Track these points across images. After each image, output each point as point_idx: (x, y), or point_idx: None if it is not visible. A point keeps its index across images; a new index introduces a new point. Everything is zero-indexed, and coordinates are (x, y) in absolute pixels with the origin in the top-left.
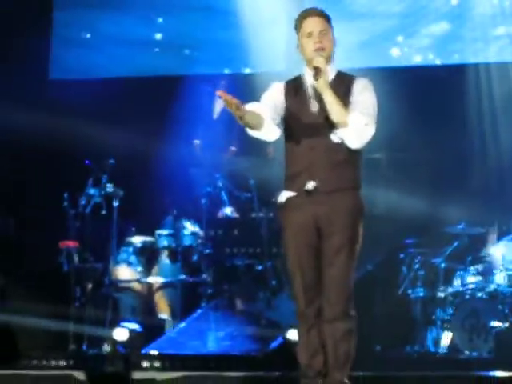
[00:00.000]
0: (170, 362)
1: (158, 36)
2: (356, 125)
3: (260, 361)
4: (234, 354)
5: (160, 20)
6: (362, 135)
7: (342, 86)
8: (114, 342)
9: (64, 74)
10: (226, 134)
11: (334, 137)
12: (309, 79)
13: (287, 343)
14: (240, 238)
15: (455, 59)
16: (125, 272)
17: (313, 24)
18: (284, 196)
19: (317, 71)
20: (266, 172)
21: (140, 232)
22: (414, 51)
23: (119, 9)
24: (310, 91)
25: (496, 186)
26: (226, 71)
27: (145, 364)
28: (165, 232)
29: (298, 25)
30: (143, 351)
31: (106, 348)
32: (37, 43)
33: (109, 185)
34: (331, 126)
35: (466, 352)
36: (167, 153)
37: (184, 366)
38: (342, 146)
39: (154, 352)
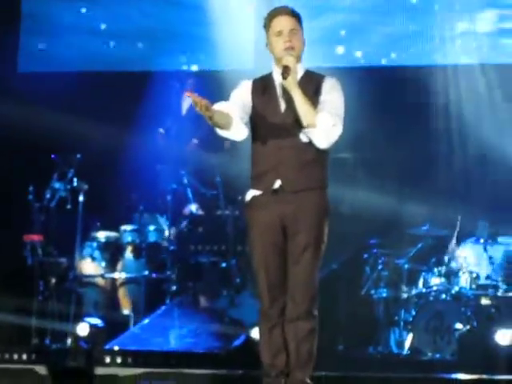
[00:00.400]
0: (132, 358)
1: (126, 30)
2: (324, 125)
3: (223, 359)
4: (197, 351)
5: (127, 12)
6: (329, 135)
7: (311, 85)
8: (77, 337)
9: (33, 67)
10: (194, 130)
11: (302, 136)
12: (277, 78)
13: (250, 341)
14: (205, 235)
15: (420, 59)
16: (89, 267)
17: (283, 23)
18: (250, 195)
19: (286, 70)
20: (232, 169)
21: (105, 227)
22: (378, 51)
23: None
24: (278, 90)
25: (461, 188)
26: (194, 68)
27: (107, 359)
28: (129, 228)
29: (268, 23)
30: (106, 347)
31: (69, 343)
32: (6, 36)
33: (75, 179)
34: (299, 125)
35: (429, 354)
36: (134, 148)
37: (146, 362)
38: (310, 145)
39: (117, 348)
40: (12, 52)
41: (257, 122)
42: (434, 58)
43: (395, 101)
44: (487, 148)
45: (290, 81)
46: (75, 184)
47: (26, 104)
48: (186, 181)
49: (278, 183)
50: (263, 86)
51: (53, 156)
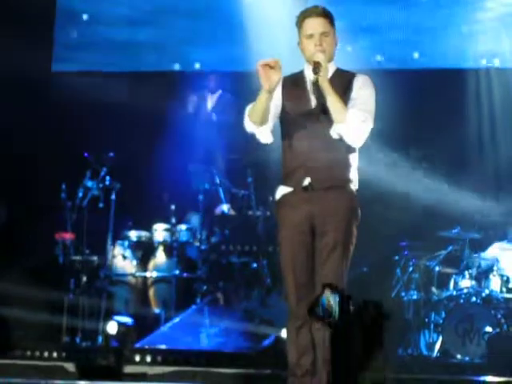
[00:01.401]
0: (161, 356)
1: (159, 32)
2: (354, 121)
3: (252, 358)
4: (226, 350)
5: (159, 16)
6: (359, 131)
7: (342, 82)
8: (107, 336)
9: (66, 66)
10: (223, 129)
11: (333, 133)
12: (308, 75)
13: (280, 341)
14: (236, 235)
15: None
16: (120, 265)
17: (314, 25)
18: (281, 192)
19: (317, 66)
20: (263, 170)
21: (137, 226)
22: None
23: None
24: (309, 87)
25: (492, 191)
26: (227, 69)
27: (137, 358)
28: (161, 227)
29: (299, 24)
30: (136, 345)
31: (99, 341)
32: (40, 35)
33: (107, 178)
34: (330, 122)
35: (459, 356)
36: (167, 148)
37: (175, 361)
38: (340, 142)
39: (146, 346)
40: (46, 51)
41: (287, 118)
42: (467, 57)
43: (430, 101)
44: None
45: (321, 77)
46: (108, 183)
47: (60, 103)
48: (217, 181)
49: (307, 180)
50: (294, 83)
51: (85, 154)
